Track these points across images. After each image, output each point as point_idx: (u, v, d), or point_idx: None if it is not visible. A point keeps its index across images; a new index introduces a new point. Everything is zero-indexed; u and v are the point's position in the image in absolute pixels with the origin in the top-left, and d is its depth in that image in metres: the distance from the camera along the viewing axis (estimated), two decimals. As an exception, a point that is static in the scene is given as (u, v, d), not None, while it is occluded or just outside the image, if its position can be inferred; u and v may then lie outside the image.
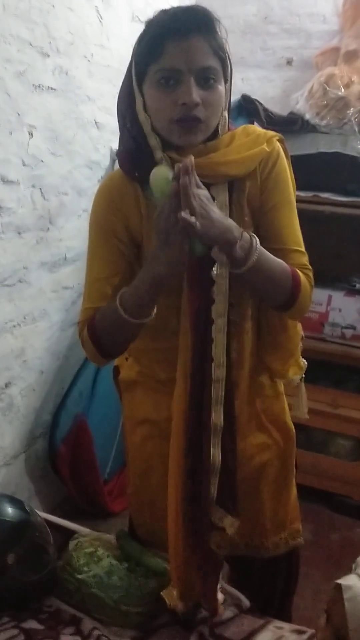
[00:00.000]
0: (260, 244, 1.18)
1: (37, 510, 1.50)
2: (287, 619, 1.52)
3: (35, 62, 1.96)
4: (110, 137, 2.44)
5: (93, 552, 1.43)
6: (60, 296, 2.32)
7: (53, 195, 2.17)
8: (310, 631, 1.33)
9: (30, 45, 1.93)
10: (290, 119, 2.60)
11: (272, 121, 2.57)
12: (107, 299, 1.23)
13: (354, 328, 2.55)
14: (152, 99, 1.14)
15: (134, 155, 1.21)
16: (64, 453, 2.31)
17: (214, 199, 1.17)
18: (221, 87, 1.15)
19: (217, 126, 1.20)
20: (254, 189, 1.25)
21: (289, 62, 2.96)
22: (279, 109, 2.73)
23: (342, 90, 2.47)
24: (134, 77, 1.16)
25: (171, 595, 1.32)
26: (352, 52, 2.62)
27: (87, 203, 2.38)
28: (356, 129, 2.45)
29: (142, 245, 1.26)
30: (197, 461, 1.26)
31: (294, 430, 1.51)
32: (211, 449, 1.25)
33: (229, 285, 1.20)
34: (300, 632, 1.32)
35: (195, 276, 1.20)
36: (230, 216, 1.20)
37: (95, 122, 2.34)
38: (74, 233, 2.32)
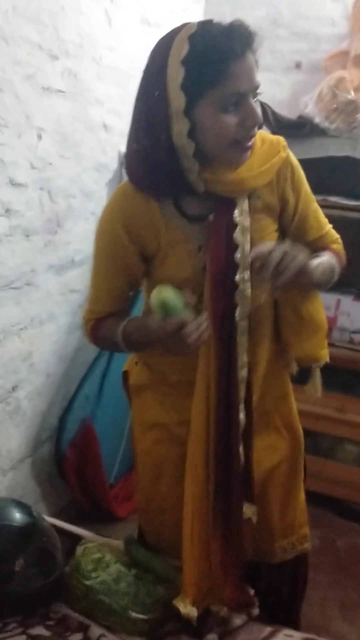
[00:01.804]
0: (301, 236, 1.34)
1: (44, 515, 1.49)
2: (296, 626, 1.50)
3: (45, 64, 1.96)
4: (118, 140, 2.43)
5: (101, 557, 1.42)
6: (68, 299, 2.31)
7: (61, 198, 2.16)
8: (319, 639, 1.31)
9: (40, 47, 1.92)
10: (299, 122, 2.58)
11: (281, 125, 2.56)
12: (108, 305, 1.36)
13: (362, 333, 2.54)
14: (213, 123, 1.11)
15: (160, 177, 1.18)
16: (70, 457, 2.30)
17: (234, 204, 1.23)
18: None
19: None
20: (270, 195, 1.29)
21: (298, 66, 2.95)
22: (287, 112, 2.71)
23: (352, 93, 2.46)
24: (178, 103, 1.10)
25: (184, 603, 1.31)
26: (361, 56, 2.61)
27: (95, 206, 2.37)
28: (366, 133, 2.44)
29: (160, 253, 1.27)
30: (225, 460, 1.29)
31: (302, 432, 1.50)
32: (236, 451, 1.30)
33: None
34: (310, 641, 1.31)
35: (220, 281, 1.23)
36: (251, 222, 1.25)
37: (104, 125, 2.33)
38: (82, 236, 2.31)
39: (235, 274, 1.23)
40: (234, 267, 1.23)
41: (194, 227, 1.25)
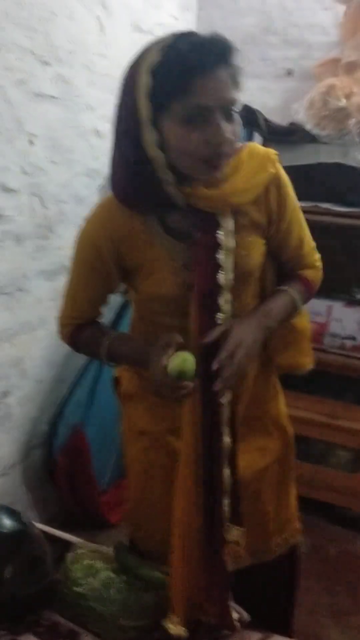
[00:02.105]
0: (280, 251, 1.36)
1: (34, 522, 1.48)
2: (290, 632, 1.50)
3: (36, 70, 1.96)
4: (109, 146, 2.44)
5: (91, 564, 1.41)
6: (59, 305, 2.30)
7: (53, 203, 2.16)
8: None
9: (31, 53, 1.93)
10: (290, 129, 2.60)
11: (272, 131, 2.58)
12: (85, 312, 1.38)
13: (354, 339, 2.54)
14: (177, 137, 1.07)
15: (138, 186, 1.16)
16: (61, 463, 2.29)
17: (219, 224, 1.20)
18: (237, 115, 1.12)
19: None
20: (257, 212, 1.27)
21: (289, 73, 2.96)
22: (279, 119, 2.73)
23: (343, 101, 2.48)
24: (142, 112, 1.07)
25: (173, 623, 1.29)
26: (352, 63, 2.62)
27: (86, 211, 2.33)
28: (357, 140, 2.46)
29: (144, 269, 1.26)
30: (210, 482, 1.28)
31: (292, 430, 1.51)
32: (224, 469, 1.30)
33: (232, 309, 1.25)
34: (301, 647, 1.30)
35: (204, 303, 1.22)
36: (236, 240, 1.23)
37: (96, 131, 2.34)
38: (73, 242, 2.30)
39: (219, 295, 1.22)
40: (217, 288, 1.21)
41: (179, 245, 1.22)
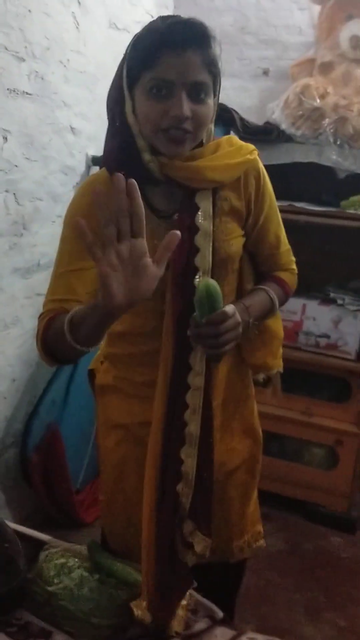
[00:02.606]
0: (257, 249, 1.38)
1: (7, 521, 1.47)
2: (232, 613, 1.49)
3: (11, 66, 1.94)
4: (86, 143, 2.43)
5: (64, 563, 1.40)
6: (34, 303, 2.29)
7: (27, 200, 2.14)
8: (283, 642, 1.31)
9: (6, 49, 1.91)
10: (266, 128, 2.61)
11: (248, 130, 2.59)
12: (72, 291, 1.22)
13: (328, 337, 2.57)
14: (142, 105, 1.14)
15: (122, 154, 1.20)
16: (35, 462, 2.27)
17: (197, 207, 1.21)
18: (210, 101, 1.16)
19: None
20: (236, 200, 1.29)
21: (265, 73, 2.98)
22: (255, 118, 2.74)
23: (318, 101, 2.50)
24: (124, 80, 1.16)
25: (140, 607, 1.29)
26: (327, 64, 2.65)
27: (62, 209, 2.35)
28: (331, 140, 2.48)
29: None
30: (172, 471, 1.25)
31: (261, 433, 1.52)
32: (185, 458, 1.24)
33: None
34: (274, 644, 1.31)
35: (178, 283, 1.21)
36: (213, 225, 1.23)
37: (71, 128, 2.32)
38: (48, 239, 2.29)
39: (194, 277, 1.21)
40: (193, 270, 1.21)
41: (159, 222, 1.23)
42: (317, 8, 2.76)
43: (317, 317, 2.57)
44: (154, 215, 1.24)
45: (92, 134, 2.46)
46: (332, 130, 2.47)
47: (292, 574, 2.33)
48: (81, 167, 2.44)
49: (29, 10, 1.98)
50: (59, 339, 1.11)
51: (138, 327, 1.30)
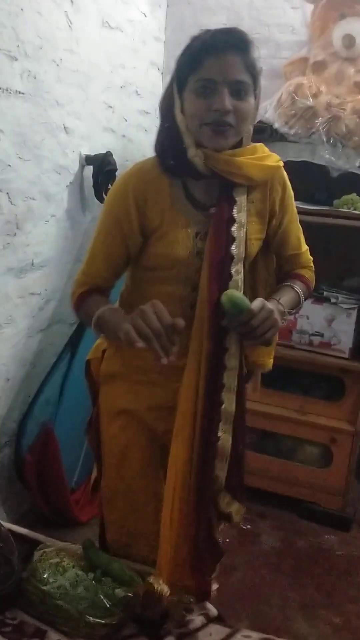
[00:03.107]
0: (280, 250, 1.52)
1: (1, 521, 1.47)
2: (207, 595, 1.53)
3: (3, 65, 1.94)
4: (79, 142, 2.43)
5: (58, 562, 1.40)
6: (27, 302, 2.29)
7: (20, 200, 2.14)
8: (278, 640, 1.32)
9: (0, 49, 1.91)
10: (259, 127, 2.60)
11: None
12: (99, 275, 1.42)
13: (321, 335, 2.57)
14: (190, 104, 1.28)
15: (171, 149, 1.34)
16: (30, 462, 2.27)
17: (235, 200, 1.36)
18: (251, 100, 1.30)
19: (242, 137, 1.35)
20: (261, 203, 1.42)
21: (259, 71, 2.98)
22: (248, 117, 2.74)
23: (311, 100, 2.50)
24: (175, 83, 1.31)
25: (158, 582, 1.36)
26: (320, 63, 2.65)
27: (55, 208, 2.35)
28: (324, 139, 2.48)
29: (160, 230, 1.36)
30: (208, 448, 1.37)
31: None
32: (222, 434, 1.38)
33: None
34: (268, 641, 1.31)
35: (217, 272, 1.33)
36: (247, 218, 1.38)
37: (64, 127, 2.32)
38: (42, 238, 2.29)
39: (230, 265, 1.34)
40: (230, 258, 1.34)
41: (196, 213, 1.37)
42: (309, 7, 2.77)
43: (310, 315, 2.57)
44: (193, 206, 1.37)
45: (86, 133, 2.46)
46: (325, 129, 2.47)
47: (286, 572, 2.33)
48: (74, 167, 2.44)
49: (21, 9, 1.98)
50: (87, 320, 1.37)
51: None
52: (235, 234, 1.35)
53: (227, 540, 2.37)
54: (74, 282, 1.45)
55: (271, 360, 1.58)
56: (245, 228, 1.37)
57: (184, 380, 1.38)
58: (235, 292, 1.29)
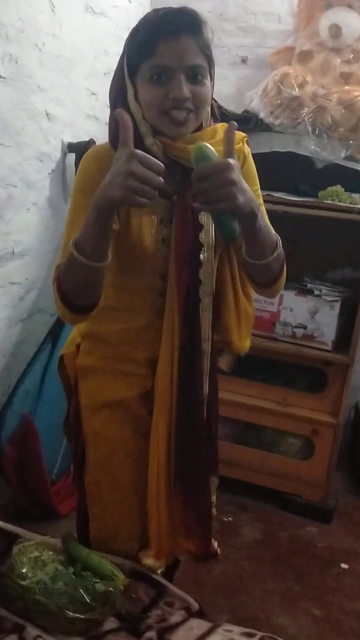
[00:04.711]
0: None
1: (-21, 514, 1.45)
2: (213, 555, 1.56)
3: (-16, 48, 1.90)
4: (61, 129, 2.38)
5: (38, 557, 1.38)
6: (7, 292, 2.25)
7: (1, 187, 2.10)
8: (260, 634, 1.31)
9: (-22, 30, 1.86)
10: (244, 117, 2.59)
11: (226, 119, 2.50)
12: None
13: (304, 327, 2.57)
14: (145, 92, 1.22)
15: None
16: (9, 453, 2.24)
17: None
18: (208, 82, 1.24)
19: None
20: None
21: (244, 61, 2.96)
22: (233, 107, 2.72)
23: (297, 90, 2.48)
24: (125, 70, 1.24)
25: (148, 556, 1.40)
26: (306, 52, 2.63)
27: (36, 196, 2.31)
28: (309, 129, 2.47)
29: (123, 217, 1.29)
30: (190, 430, 1.40)
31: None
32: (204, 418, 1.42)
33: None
34: (250, 635, 1.30)
35: (185, 260, 1.31)
36: None
37: (46, 113, 2.28)
38: (23, 227, 2.25)
39: (199, 253, 1.32)
40: (198, 246, 1.32)
41: (159, 200, 1.30)
42: (296, -4, 2.75)
43: (294, 307, 2.56)
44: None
45: (68, 120, 2.42)
46: (310, 120, 2.45)
47: (267, 564, 2.33)
48: (57, 154, 2.40)
49: (3, -9, 1.93)
50: (70, 271, 1.19)
51: (137, 305, 1.38)
52: (203, 221, 1.32)
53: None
54: (54, 271, 1.34)
55: (247, 343, 1.53)
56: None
57: (158, 369, 1.38)
58: (208, 145, 1.12)
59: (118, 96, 1.27)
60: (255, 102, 2.56)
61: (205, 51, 1.22)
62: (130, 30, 1.25)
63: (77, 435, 1.51)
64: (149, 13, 1.24)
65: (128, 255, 1.33)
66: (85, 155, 1.35)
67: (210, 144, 1.21)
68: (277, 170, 2.52)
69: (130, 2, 2.77)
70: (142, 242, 1.31)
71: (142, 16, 1.24)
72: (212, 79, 1.26)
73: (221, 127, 1.34)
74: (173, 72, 1.18)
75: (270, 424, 2.71)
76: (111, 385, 1.44)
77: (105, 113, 2.70)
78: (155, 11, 1.23)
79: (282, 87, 2.50)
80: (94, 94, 2.58)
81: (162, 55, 1.18)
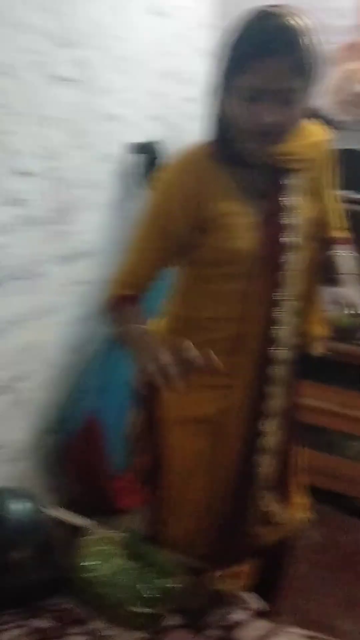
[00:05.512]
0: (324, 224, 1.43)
1: (46, 507, 1.48)
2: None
3: (52, 52, 1.94)
4: (125, 130, 2.42)
5: (102, 550, 1.40)
6: (75, 290, 2.29)
7: (69, 188, 2.14)
8: (322, 637, 1.29)
9: (47, 35, 1.90)
10: (310, 113, 2.56)
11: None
12: (134, 273, 1.36)
13: (368, 328, 2.51)
14: (235, 105, 1.21)
15: (219, 140, 1.30)
16: (74, 449, 2.29)
17: (286, 187, 1.33)
18: (299, 104, 1.19)
19: None
20: (312, 179, 1.37)
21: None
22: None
23: None
24: (222, 77, 1.23)
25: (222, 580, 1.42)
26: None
27: (103, 196, 2.36)
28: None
29: (215, 222, 1.30)
30: (251, 443, 1.40)
31: None
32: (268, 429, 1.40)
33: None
34: (313, 639, 1.29)
35: (271, 261, 1.31)
36: (300, 203, 1.34)
37: (111, 115, 2.31)
38: (90, 227, 2.30)
39: (285, 255, 1.31)
40: (284, 247, 1.31)
41: (251, 203, 1.31)
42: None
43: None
44: (248, 195, 1.31)
45: (132, 121, 2.44)
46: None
47: (329, 568, 2.30)
48: (121, 155, 2.43)
49: (71, -4, 1.97)
50: (114, 324, 1.35)
51: (222, 313, 1.36)
52: (289, 222, 1.32)
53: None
54: (111, 279, 1.40)
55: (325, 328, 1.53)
56: (299, 214, 1.33)
57: (240, 380, 1.37)
58: (342, 318, 1.30)
59: (215, 99, 1.27)
60: (321, 99, 2.52)
61: (301, 70, 1.16)
62: (231, 38, 1.20)
63: (151, 446, 1.50)
64: (252, 19, 1.17)
65: (221, 260, 1.32)
66: (173, 165, 1.34)
67: (299, 147, 1.29)
68: (341, 167, 2.48)
69: (194, 2, 2.78)
70: (236, 245, 1.29)
71: (241, 22, 1.18)
72: (309, 90, 1.20)
73: (307, 125, 1.34)
74: (262, 94, 1.16)
75: (332, 426, 2.67)
76: (188, 401, 1.40)
77: (167, 113, 2.72)
78: (259, 19, 1.16)
79: (347, 84, 2.46)
80: (157, 94, 2.60)
81: (254, 76, 1.15)
